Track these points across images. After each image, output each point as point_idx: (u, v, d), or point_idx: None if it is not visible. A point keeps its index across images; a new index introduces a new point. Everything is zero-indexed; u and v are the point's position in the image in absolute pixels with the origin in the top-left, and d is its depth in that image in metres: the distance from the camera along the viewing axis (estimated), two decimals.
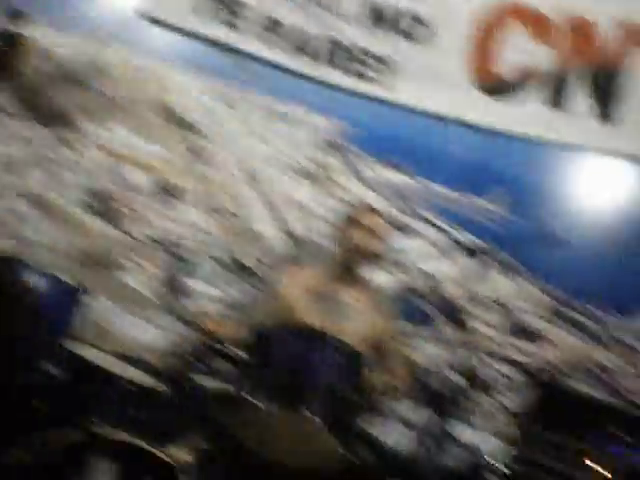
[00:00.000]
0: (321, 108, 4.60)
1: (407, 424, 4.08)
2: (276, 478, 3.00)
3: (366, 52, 4.42)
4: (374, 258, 3.73)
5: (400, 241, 4.49)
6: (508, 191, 4.55)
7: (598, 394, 4.27)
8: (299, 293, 3.68)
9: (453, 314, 3.59)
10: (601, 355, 4.44)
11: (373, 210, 3.82)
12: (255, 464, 2.91)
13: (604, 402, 3.60)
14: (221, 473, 2.91)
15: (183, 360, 2.95)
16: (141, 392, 3.12)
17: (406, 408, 3.97)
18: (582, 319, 4.46)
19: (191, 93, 4.54)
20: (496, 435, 4.15)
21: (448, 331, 3.21)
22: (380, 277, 4.37)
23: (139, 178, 4.60)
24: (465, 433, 3.98)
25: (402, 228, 4.52)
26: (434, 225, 4.53)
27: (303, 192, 4.58)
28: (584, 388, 4.28)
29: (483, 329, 4.39)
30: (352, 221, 3.74)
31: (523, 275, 4.47)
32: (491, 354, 4.20)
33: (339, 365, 2.86)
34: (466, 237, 4.45)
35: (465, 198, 4.55)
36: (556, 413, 3.36)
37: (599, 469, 3.29)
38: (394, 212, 4.54)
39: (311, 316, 3.57)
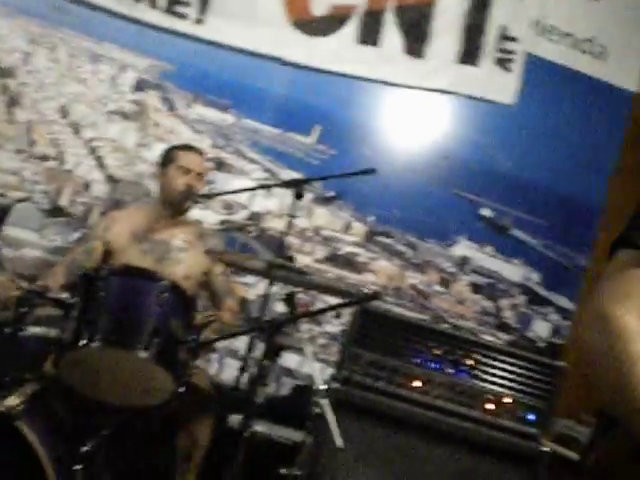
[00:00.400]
0: (140, 48, 4.56)
1: (236, 356, 4.23)
2: (110, 418, 3.06)
3: None
4: (197, 197, 3.81)
5: (223, 179, 4.56)
6: (326, 127, 4.69)
7: (415, 315, 4.57)
8: (123, 236, 3.70)
9: (278, 248, 3.72)
10: (417, 279, 4.73)
11: (193, 149, 3.87)
12: (88, 405, 2.96)
13: (420, 322, 3.84)
14: (53, 416, 2.94)
15: (8, 309, 2.92)
16: None
17: (235, 340, 4.11)
18: (398, 246, 4.71)
19: (7, 37, 4.37)
20: (319, 359, 4.38)
21: (273, 263, 3.33)
22: (205, 216, 4.45)
23: None
24: (292, 360, 4.18)
25: (225, 166, 4.58)
26: (256, 162, 4.62)
27: (124, 134, 4.54)
28: (402, 311, 4.57)
29: (306, 260, 4.56)
30: (172, 161, 3.79)
31: (341, 206, 4.66)
32: (313, 283, 4.37)
33: (168, 303, 2.93)
34: (287, 173, 4.56)
35: (285, 135, 4.66)
36: (376, 335, 3.59)
37: (418, 384, 3.55)
38: (216, 150, 4.59)
39: (137, 258, 3.62)
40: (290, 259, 3.33)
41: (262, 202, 4.57)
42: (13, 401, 2.72)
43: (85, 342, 2.77)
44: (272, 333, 2.88)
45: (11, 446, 2.71)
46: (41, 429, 2.75)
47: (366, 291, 3.35)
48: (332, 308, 3.16)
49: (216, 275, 3.78)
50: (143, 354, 2.79)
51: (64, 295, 2.91)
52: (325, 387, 2.98)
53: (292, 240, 4.51)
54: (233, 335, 3.14)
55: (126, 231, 3.74)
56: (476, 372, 3.62)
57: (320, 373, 3.02)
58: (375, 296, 3.18)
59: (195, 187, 3.76)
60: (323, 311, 3.19)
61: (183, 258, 3.72)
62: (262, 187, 4.26)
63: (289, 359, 4.35)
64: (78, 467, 2.91)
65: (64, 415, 3.04)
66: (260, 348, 3.18)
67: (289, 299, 3.08)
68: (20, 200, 4.34)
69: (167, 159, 3.83)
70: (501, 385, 3.62)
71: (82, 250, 3.72)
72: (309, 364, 3.02)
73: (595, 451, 1.87)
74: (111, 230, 3.76)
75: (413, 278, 4.73)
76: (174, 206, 3.81)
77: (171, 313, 2.92)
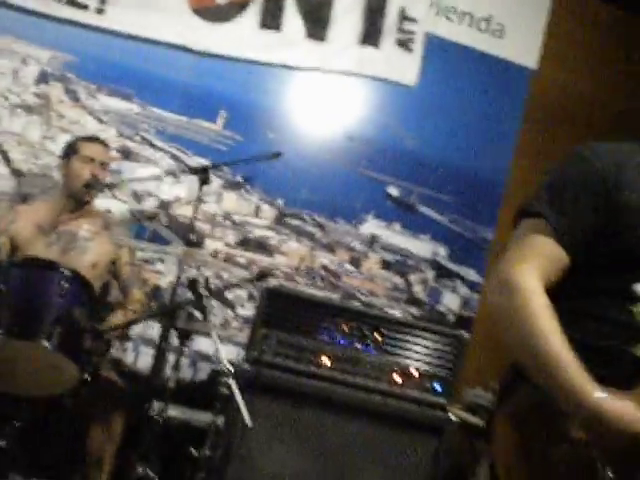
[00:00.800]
0: (41, 41, 4.52)
1: (148, 343, 4.26)
2: (20, 410, 3.07)
3: None
4: (102, 186, 3.82)
5: (130, 168, 4.57)
6: (232, 113, 4.73)
7: (327, 294, 4.66)
8: (28, 229, 3.69)
9: (186, 234, 3.76)
10: (327, 259, 4.82)
11: (96, 139, 3.88)
12: None
13: (327, 300, 3.93)
14: None
15: None
16: None
17: (146, 328, 4.14)
18: (308, 228, 4.79)
19: None
20: (234, 342, 4.44)
21: (182, 250, 3.38)
22: (113, 205, 4.45)
23: None
24: (203, 344, 4.23)
25: (131, 155, 4.59)
26: (163, 150, 4.63)
27: (28, 127, 4.51)
28: (315, 291, 4.65)
29: (215, 244, 4.61)
30: (75, 152, 3.79)
31: (250, 191, 4.71)
32: (224, 267, 4.43)
33: (69, 292, 2.96)
34: (195, 160, 4.59)
35: (191, 122, 4.68)
36: (284, 315, 3.66)
37: (326, 360, 3.64)
38: (122, 139, 4.59)
39: (42, 250, 3.61)
40: (197, 244, 3.40)
41: (170, 190, 4.59)
42: None
43: None
44: (173, 317, 2.93)
45: None
46: None
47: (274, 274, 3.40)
48: (226, 288, 3.22)
49: (123, 264, 3.80)
50: (45, 343, 2.81)
51: None
52: (231, 368, 3.05)
53: (202, 226, 4.55)
54: (136, 321, 3.17)
55: (31, 224, 3.73)
56: (383, 346, 3.74)
57: (225, 355, 3.08)
58: (265, 274, 3.24)
59: (99, 176, 3.77)
60: (219, 292, 3.24)
61: (89, 247, 3.73)
62: (168, 174, 4.28)
63: (205, 344, 4.39)
64: None
65: None
66: (172, 334, 3.24)
67: (193, 284, 3.13)
68: None
69: (70, 150, 3.83)
70: (408, 358, 3.74)
71: None
72: (216, 347, 3.08)
73: (498, 411, 2.04)
74: (16, 224, 3.74)
75: (324, 258, 4.81)
76: (78, 196, 3.81)
77: (73, 302, 2.96)
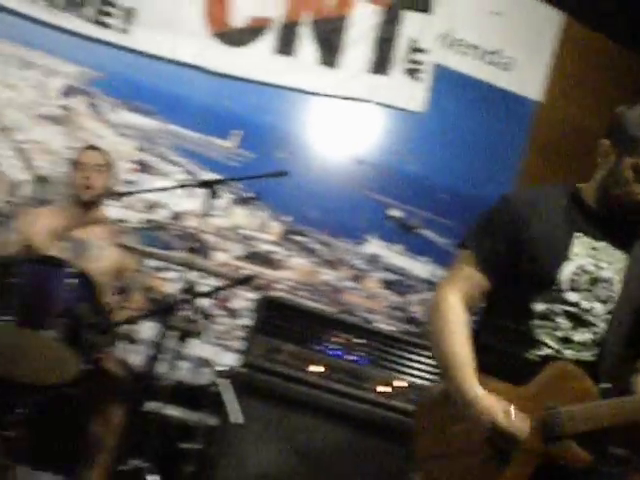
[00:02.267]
0: (69, 56, 4.77)
1: (143, 343, 4.45)
2: (23, 398, 3.28)
3: (107, 1, 4.68)
4: (107, 194, 4.05)
5: (146, 180, 4.80)
6: (246, 132, 4.95)
7: (325, 308, 4.84)
8: (43, 234, 3.93)
9: (195, 246, 3.96)
10: (330, 275, 5.01)
11: (92, 147, 4.12)
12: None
13: (322, 312, 4.10)
14: None
15: None
16: None
17: (144, 328, 4.33)
18: (312, 244, 4.99)
19: None
20: (235, 350, 4.62)
21: (184, 256, 3.58)
22: (127, 215, 4.69)
23: None
24: (198, 348, 4.42)
25: (148, 168, 4.82)
26: (179, 165, 4.86)
27: (52, 137, 4.75)
28: (312, 303, 4.83)
29: (223, 257, 4.82)
30: (75, 162, 4.05)
31: (259, 207, 4.92)
32: (229, 278, 4.62)
33: (76, 289, 3.18)
34: (209, 175, 4.81)
35: (207, 139, 4.91)
36: (280, 324, 3.84)
37: (317, 368, 3.82)
38: (141, 153, 4.82)
39: (54, 252, 3.83)
40: (199, 251, 3.60)
41: (183, 202, 4.81)
42: None
43: None
44: (167, 316, 3.14)
45: None
46: None
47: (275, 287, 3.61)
48: (215, 290, 3.43)
49: (129, 271, 4.01)
50: (49, 333, 3.03)
51: None
52: (224, 368, 3.24)
53: (211, 238, 4.77)
54: (136, 319, 3.38)
55: (46, 229, 3.97)
56: (374, 358, 3.90)
57: (223, 352, 3.26)
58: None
59: (93, 178, 4.00)
60: (208, 294, 3.45)
61: (99, 255, 3.95)
62: (179, 187, 4.49)
63: (208, 350, 4.58)
64: None
65: None
66: (163, 334, 3.43)
67: (189, 289, 3.34)
68: None
69: (73, 162, 4.11)
70: (396, 370, 3.90)
71: (4, 245, 3.93)
72: (209, 347, 3.28)
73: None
74: (34, 226, 3.98)
75: (326, 274, 5.00)
76: (83, 203, 4.06)
77: (79, 298, 3.18)
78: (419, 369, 3.92)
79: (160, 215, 4.78)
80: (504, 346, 2.32)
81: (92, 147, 4.21)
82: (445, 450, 2.32)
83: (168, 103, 4.88)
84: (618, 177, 2.27)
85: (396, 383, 3.88)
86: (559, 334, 2.27)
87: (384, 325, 4.97)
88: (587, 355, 2.28)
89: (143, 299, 4.03)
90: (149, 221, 4.77)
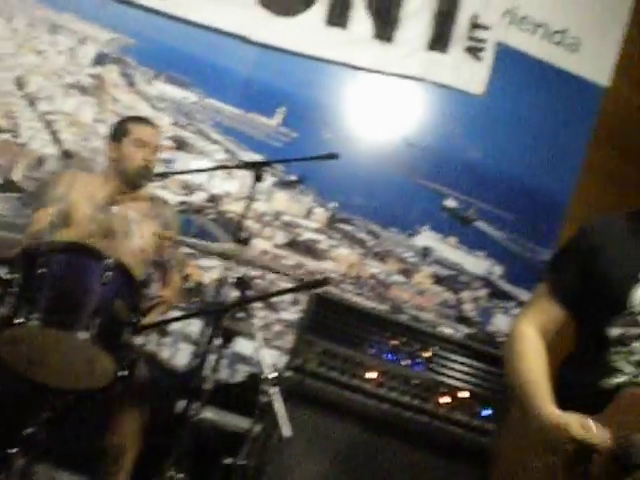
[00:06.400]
0: (101, 21, 4.42)
1: (187, 339, 4.12)
2: (51, 400, 2.94)
3: None
4: (153, 175, 3.69)
5: (183, 159, 4.45)
6: (290, 109, 4.59)
7: (374, 305, 4.49)
8: (83, 203, 3.55)
9: (235, 231, 3.60)
10: (377, 268, 4.65)
11: (147, 122, 3.75)
12: (27, 386, 2.84)
13: (377, 312, 3.77)
14: None
15: None
16: None
17: (186, 324, 4.00)
18: (359, 234, 4.64)
19: None
20: (274, 346, 4.29)
21: (229, 247, 3.22)
22: (162, 193, 4.32)
23: None
24: (243, 346, 4.08)
25: (185, 146, 4.47)
26: (217, 143, 4.51)
27: (81, 108, 4.40)
28: (362, 300, 4.49)
29: (264, 245, 4.46)
30: (126, 134, 3.66)
31: (302, 191, 4.57)
32: (270, 268, 4.28)
33: (111, 283, 2.81)
34: (249, 155, 4.46)
35: (248, 116, 4.55)
36: (332, 324, 3.51)
37: (373, 375, 3.48)
38: (176, 129, 4.47)
39: (91, 229, 3.47)
40: (246, 241, 3.23)
41: (221, 184, 4.46)
42: None
43: (22, 320, 2.64)
44: (219, 317, 2.78)
45: None
46: None
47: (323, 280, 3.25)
48: (280, 293, 3.07)
49: (167, 245, 3.65)
50: (83, 335, 2.66)
51: (3, 271, 2.78)
52: (274, 375, 2.89)
53: (251, 224, 4.40)
54: (179, 319, 3.02)
55: (85, 197, 3.59)
56: (432, 365, 3.57)
57: (270, 360, 2.93)
58: (325, 282, 3.07)
59: (152, 161, 3.65)
60: (271, 295, 3.09)
61: (138, 231, 3.59)
62: (221, 167, 4.13)
63: (245, 346, 4.24)
64: (14, 450, 2.82)
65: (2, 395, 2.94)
66: (207, 330, 3.09)
67: (241, 283, 2.98)
68: None
69: (120, 132, 3.70)
70: (457, 379, 3.57)
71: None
72: (259, 351, 2.94)
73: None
74: (73, 189, 3.59)
75: (373, 267, 4.65)
76: (131, 181, 3.68)
77: (115, 293, 2.80)
78: (481, 377, 3.58)
79: (196, 197, 4.42)
80: (581, 378, 2.32)
81: (147, 121, 3.80)
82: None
83: (207, 75, 4.52)
84: None
85: (457, 393, 3.52)
86: (635, 358, 2.25)
87: (434, 324, 4.61)
88: None
89: (179, 282, 3.68)
90: (183, 203, 4.41)
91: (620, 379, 2.24)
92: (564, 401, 2.25)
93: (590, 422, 2.12)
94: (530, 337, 2.38)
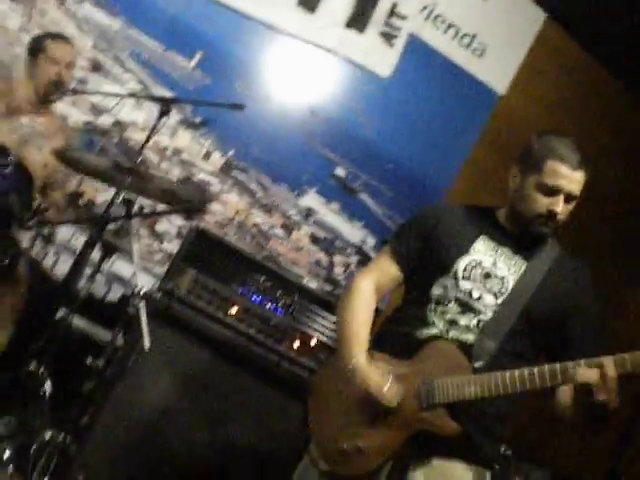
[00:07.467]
0: None
1: (69, 252, 4.31)
2: None
3: None
4: (65, 90, 3.86)
5: (96, 81, 4.60)
6: (208, 55, 4.78)
7: (251, 250, 4.76)
8: None
9: (132, 158, 3.82)
10: (261, 219, 4.93)
11: (63, 38, 3.91)
12: None
13: (252, 256, 4.01)
14: None
15: None
16: None
17: (71, 236, 4.19)
18: (251, 184, 4.90)
19: None
20: (152, 274, 4.53)
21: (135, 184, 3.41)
22: (71, 113, 4.49)
23: None
24: (122, 268, 4.31)
25: (101, 70, 4.62)
26: (133, 72, 4.67)
27: (9, 15, 4.50)
28: (240, 244, 4.75)
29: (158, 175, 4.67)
30: (42, 51, 3.83)
31: (204, 134, 4.79)
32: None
33: (13, 180, 3.01)
34: (160, 91, 4.64)
35: (167, 54, 4.73)
36: (208, 257, 3.75)
37: (236, 311, 3.75)
38: (96, 52, 4.62)
39: (4, 134, 3.63)
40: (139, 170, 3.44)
41: (129, 113, 4.64)
42: None
43: None
44: (102, 229, 3.00)
45: None
46: None
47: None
48: (160, 214, 3.31)
49: (56, 168, 3.82)
50: None
51: None
52: (143, 290, 3.12)
53: (151, 156, 4.62)
54: (67, 222, 3.23)
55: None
56: (292, 311, 3.86)
57: (141, 274, 3.14)
58: (191, 207, 3.32)
59: (65, 77, 3.82)
60: (153, 215, 3.33)
61: (44, 146, 3.76)
62: (132, 96, 4.32)
63: (123, 268, 4.46)
64: None
65: None
66: (88, 244, 3.29)
67: (127, 202, 3.20)
68: None
69: (37, 49, 3.86)
70: (311, 327, 3.87)
71: None
72: (134, 263, 3.13)
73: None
74: None
75: (258, 217, 4.92)
76: (43, 95, 3.85)
77: (11, 187, 3.01)
78: (333, 330, 3.89)
79: (103, 120, 4.60)
80: (401, 328, 2.62)
81: (64, 39, 3.95)
82: (334, 409, 2.61)
83: (135, 6, 4.67)
84: (522, 194, 2.57)
85: (308, 340, 3.84)
86: (447, 317, 2.55)
87: (304, 280, 4.92)
88: (469, 338, 2.52)
89: (62, 200, 3.85)
90: (88, 123, 4.58)
91: (432, 331, 2.56)
92: (384, 346, 2.61)
93: (388, 382, 2.48)
94: (364, 291, 2.69)
